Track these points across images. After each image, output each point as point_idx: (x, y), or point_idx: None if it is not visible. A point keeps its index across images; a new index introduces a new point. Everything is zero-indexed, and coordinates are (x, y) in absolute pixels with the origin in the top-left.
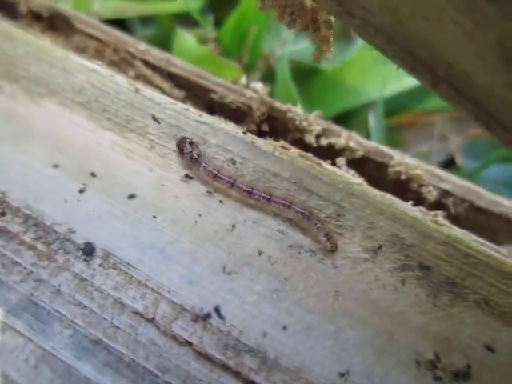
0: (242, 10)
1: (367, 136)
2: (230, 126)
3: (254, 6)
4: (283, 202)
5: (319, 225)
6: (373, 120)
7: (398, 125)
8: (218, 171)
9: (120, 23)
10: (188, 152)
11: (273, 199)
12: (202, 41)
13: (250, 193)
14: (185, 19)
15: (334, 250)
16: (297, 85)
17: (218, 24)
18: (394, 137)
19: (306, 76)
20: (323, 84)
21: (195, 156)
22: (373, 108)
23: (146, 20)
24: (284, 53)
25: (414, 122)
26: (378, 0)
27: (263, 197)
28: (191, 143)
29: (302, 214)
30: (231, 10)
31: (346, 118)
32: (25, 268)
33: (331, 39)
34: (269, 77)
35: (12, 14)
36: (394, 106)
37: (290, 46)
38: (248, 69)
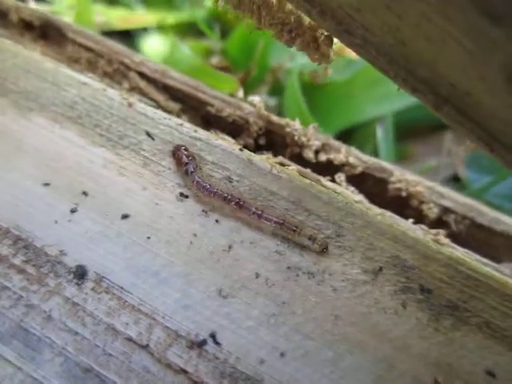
0: (249, 23)
1: (374, 150)
2: (226, 142)
3: None
4: (255, 211)
5: (299, 230)
6: (381, 134)
7: (405, 139)
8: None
9: (124, 34)
10: (185, 163)
11: (244, 206)
12: (208, 52)
13: (225, 199)
14: (191, 29)
15: (324, 249)
16: (303, 97)
17: (224, 34)
18: (401, 151)
19: (312, 88)
20: (330, 97)
21: (191, 170)
22: (380, 122)
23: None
24: (293, 67)
25: (423, 136)
26: (380, 19)
27: (236, 203)
28: (186, 150)
29: (276, 223)
30: (237, 20)
31: (352, 132)
32: (14, 293)
33: (331, 55)
34: (276, 90)
35: (2, 22)
36: (402, 120)
37: (298, 58)
38: (255, 82)
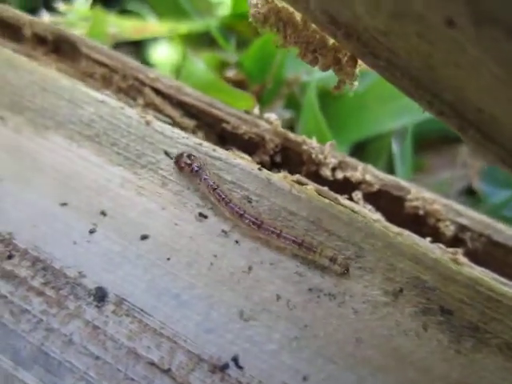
0: (267, 37)
1: (388, 164)
2: (244, 162)
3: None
4: (274, 230)
5: (319, 251)
6: (397, 148)
7: (419, 151)
8: (218, 186)
9: (134, 43)
10: (187, 164)
11: (263, 227)
12: (222, 64)
13: (241, 216)
14: (203, 39)
15: (346, 270)
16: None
17: (237, 44)
18: (415, 163)
19: (325, 99)
20: (343, 109)
21: (195, 168)
22: (396, 136)
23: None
24: (311, 81)
25: (437, 148)
26: (408, 44)
27: (254, 222)
28: (190, 156)
29: (295, 243)
30: (251, 30)
31: (365, 145)
32: (34, 316)
33: (356, 74)
34: (290, 102)
35: (15, 36)
36: (416, 132)
37: (316, 72)
38: (270, 94)
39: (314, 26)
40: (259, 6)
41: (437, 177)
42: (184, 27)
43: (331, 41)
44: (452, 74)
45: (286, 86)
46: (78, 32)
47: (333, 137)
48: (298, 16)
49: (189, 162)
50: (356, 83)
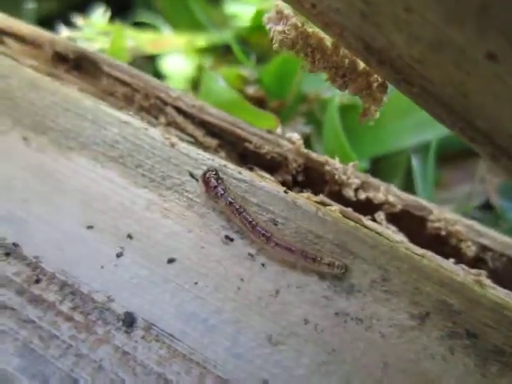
0: (288, 55)
1: (405, 179)
2: (270, 184)
3: None
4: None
5: (319, 259)
6: (417, 163)
7: (437, 165)
8: (244, 209)
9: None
10: (213, 186)
11: (272, 239)
12: (242, 79)
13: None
14: (219, 50)
15: (344, 271)
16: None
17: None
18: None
19: (344, 112)
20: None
21: (221, 192)
22: (415, 150)
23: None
24: (332, 98)
25: (455, 163)
26: (444, 73)
27: (263, 234)
28: (215, 177)
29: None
30: (268, 41)
31: (383, 158)
32: (63, 342)
33: (383, 101)
34: (310, 118)
35: (35, 54)
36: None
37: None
38: (290, 110)
39: (343, 50)
40: (287, 31)
41: (455, 192)
42: (201, 40)
43: (361, 65)
44: (487, 103)
45: (306, 103)
46: (96, 46)
47: (349, 146)
48: (327, 41)
49: (215, 184)
50: (379, 112)
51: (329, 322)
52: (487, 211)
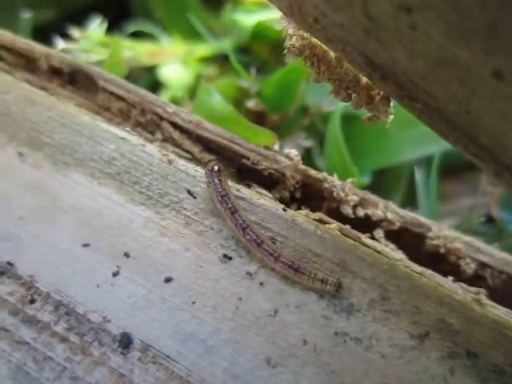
0: (289, 67)
1: (408, 193)
2: (268, 202)
3: (302, 65)
4: (271, 251)
5: (312, 275)
6: (420, 176)
7: (439, 177)
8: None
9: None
10: (216, 184)
11: (262, 246)
12: (240, 91)
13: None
14: (218, 61)
15: (339, 289)
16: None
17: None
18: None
19: (345, 124)
20: (363, 135)
21: (222, 193)
22: (418, 163)
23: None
24: (335, 112)
25: (457, 174)
26: (448, 90)
27: (254, 240)
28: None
29: (289, 266)
30: (268, 50)
31: (384, 171)
32: (58, 364)
33: (389, 112)
34: (311, 131)
35: (29, 67)
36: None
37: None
38: (291, 124)
39: (347, 64)
40: (294, 39)
41: (458, 204)
42: (200, 50)
43: (364, 79)
44: (491, 121)
45: (307, 116)
46: (94, 58)
47: (353, 163)
48: (332, 53)
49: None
50: (391, 117)
51: (328, 343)
52: (490, 224)
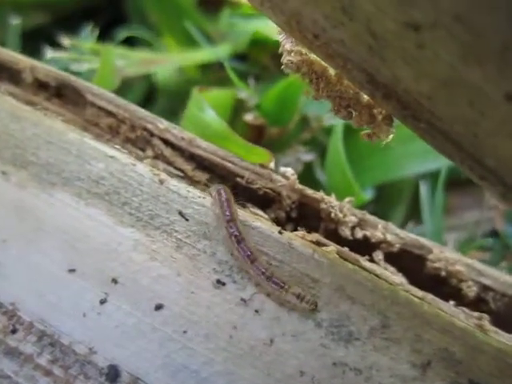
0: (292, 81)
1: (412, 207)
2: (264, 224)
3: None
4: (248, 253)
5: (286, 287)
6: (425, 191)
7: (445, 190)
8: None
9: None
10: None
11: (241, 246)
12: (236, 102)
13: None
14: (214, 68)
15: (314, 308)
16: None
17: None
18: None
19: (347, 137)
20: (364, 148)
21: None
22: (423, 177)
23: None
24: (337, 128)
25: (462, 188)
26: (455, 111)
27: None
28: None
29: (262, 273)
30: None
31: (387, 185)
32: None
33: (390, 132)
34: (312, 144)
35: (13, 80)
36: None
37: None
38: (291, 138)
39: (347, 81)
40: (292, 54)
41: (463, 218)
42: (196, 57)
43: (366, 97)
44: (499, 143)
45: (308, 130)
46: (85, 67)
47: (355, 178)
48: (331, 70)
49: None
50: (391, 136)
51: (326, 374)
52: (495, 239)
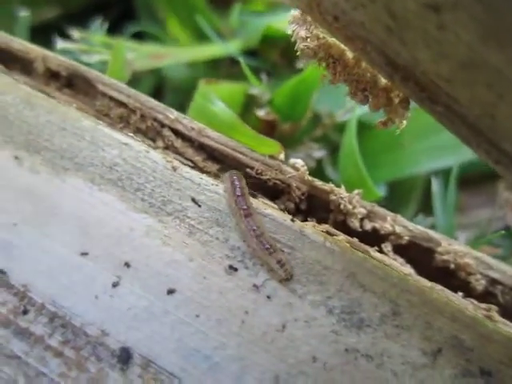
0: (304, 77)
1: (424, 203)
2: (276, 212)
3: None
4: (245, 206)
5: (271, 250)
6: (437, 188)
7: (457, 188)
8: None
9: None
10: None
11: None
12: (253, 102)
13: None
14: (224, 62)
15: (288, 278)
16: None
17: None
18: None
19: (359, 133)
20: (377, 145)
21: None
22: (435, 174)
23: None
24: (351, 123)
25: (474, 185)
26: (472, 93)
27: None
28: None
29: (253, 230)
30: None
31: (399, 181)
32: (52, 380)
33: (406, 116)
34: (324, 140)
35: (25, 70)
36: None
37: (357, 110)
38: (303, 134)
39: (365, 64)
40: (308, 40)
41: (475, 216)
42: (205, 53)
43: (383, 80)
44: None
45: (320, 126)
46: (95, 59)
47: (367, 174)
48: (349, 53)
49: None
50: (405, 122)
51: (338, 360)
52: (506, 234)
